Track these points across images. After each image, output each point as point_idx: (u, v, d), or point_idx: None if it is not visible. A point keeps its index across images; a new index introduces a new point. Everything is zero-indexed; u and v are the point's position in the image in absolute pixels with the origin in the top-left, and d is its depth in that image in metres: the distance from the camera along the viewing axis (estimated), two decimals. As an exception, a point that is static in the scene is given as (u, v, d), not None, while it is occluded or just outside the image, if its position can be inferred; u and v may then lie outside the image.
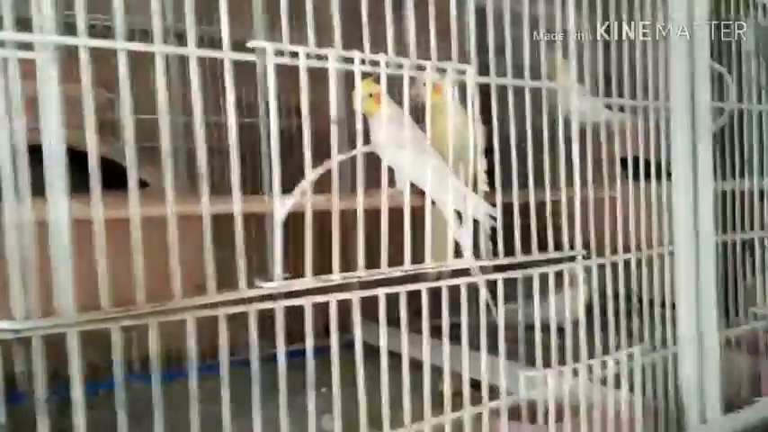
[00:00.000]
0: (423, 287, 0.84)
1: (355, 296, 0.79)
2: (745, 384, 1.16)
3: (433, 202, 0.87)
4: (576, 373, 0.95)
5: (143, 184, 1.20)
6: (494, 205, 0.92)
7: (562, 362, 0.95)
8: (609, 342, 1.01)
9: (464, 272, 0.89)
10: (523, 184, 0.93)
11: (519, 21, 0.92)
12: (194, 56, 0.67)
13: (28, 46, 0.61)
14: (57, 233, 0.62)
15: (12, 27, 0.60)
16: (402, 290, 0.82)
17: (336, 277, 0.77)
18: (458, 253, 0.89)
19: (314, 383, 0.74)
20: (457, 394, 0.89)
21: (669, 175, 1.11)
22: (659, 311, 1.08)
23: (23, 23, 0.61)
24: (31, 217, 0.61)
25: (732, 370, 1.14)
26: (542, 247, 0.93)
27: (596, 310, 0.98)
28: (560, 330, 0.95)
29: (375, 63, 0.77)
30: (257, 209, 0.88)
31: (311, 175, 0.73)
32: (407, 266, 0.82)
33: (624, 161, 1.17)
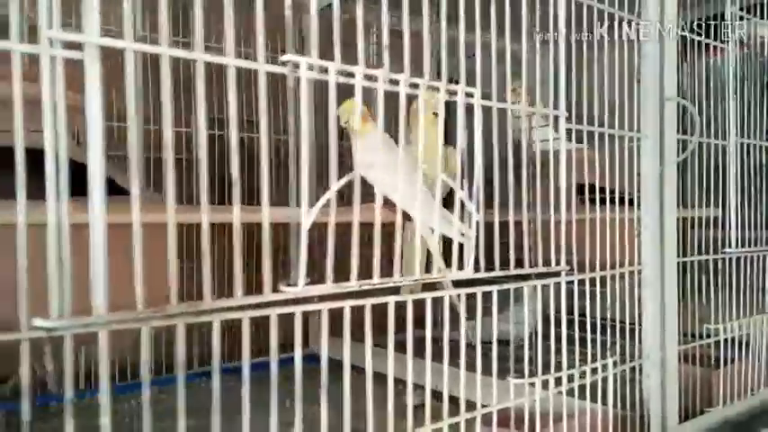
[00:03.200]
0: (428, 296, 0.88)
1: (368, 303, 0.82)
2: (699, 395, 1.25)
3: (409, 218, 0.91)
4: (558, 382, 1.01)
5: (123, 191, 1.18)
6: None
7: (543, 372, 1.00)
8: (586, 355, 1.08)
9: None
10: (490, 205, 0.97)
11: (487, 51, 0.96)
12: (232, 66, 0.69)
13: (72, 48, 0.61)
14: (94, 234, 0.62)
15: (58, 29, 0.61)
16: (409, 298, 0.86)
17: (353, 284, 0.80)
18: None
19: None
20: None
21: (630, 201, 1.21)
22: (626, 327, 1.17)
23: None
24: (69, 218, 0.61)
25: (688, 382, 1.23)
26: (519, 264, 0.98)
27: (566, 326, 1.04)
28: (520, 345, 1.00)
29: (394, 82, 0.81)
30: (281, 218, 0.89)
31: (335, 186, 0.76)
32: (417, 276, 0.86)
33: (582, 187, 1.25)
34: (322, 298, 0.77)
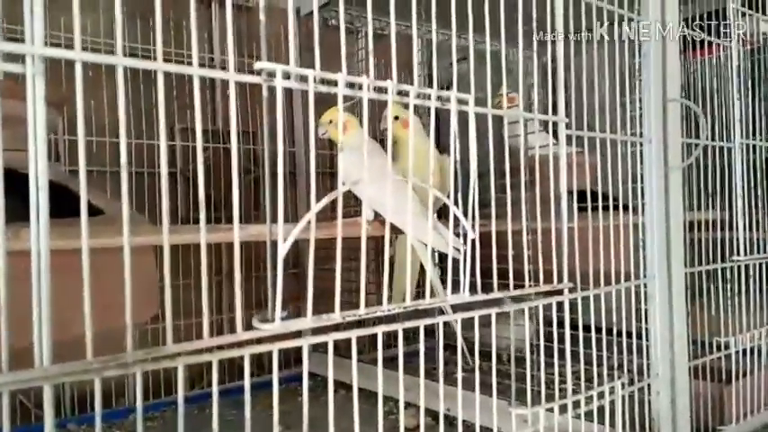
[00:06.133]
0: (421, 323, 0.80)
1: (354, 335, 0.75)
2: (710, 412, 1.18)
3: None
4: (563, 409, 0.94)
5: (96, 212, 1.10)
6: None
7: (547, 396, 0.93)
8: (591, 373, 1.01)
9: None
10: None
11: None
12: (197, 76, 0.62)
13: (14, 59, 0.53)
14: (37, 268, 0.54)
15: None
16: (399, 327, 0.78)
17: (337, 316, 0.72)
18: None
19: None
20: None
21: (625, 208, 1.12)
22: (629, 342, 1.09)
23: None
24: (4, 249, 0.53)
25: (698, 399, 1.16)
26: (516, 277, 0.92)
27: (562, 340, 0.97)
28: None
29: (380, 90, 0.74)
30: (251, 238, 0.80)
31: (317, 206, 0.69)
32: (408, 303, 0.78)
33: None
34: (302, 332, 0.70)
